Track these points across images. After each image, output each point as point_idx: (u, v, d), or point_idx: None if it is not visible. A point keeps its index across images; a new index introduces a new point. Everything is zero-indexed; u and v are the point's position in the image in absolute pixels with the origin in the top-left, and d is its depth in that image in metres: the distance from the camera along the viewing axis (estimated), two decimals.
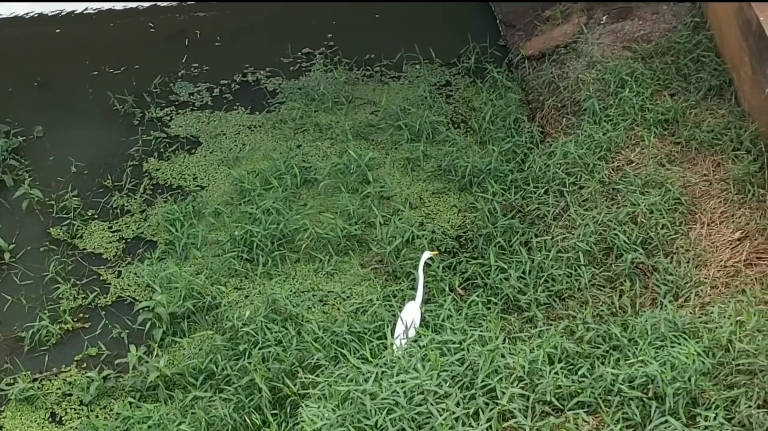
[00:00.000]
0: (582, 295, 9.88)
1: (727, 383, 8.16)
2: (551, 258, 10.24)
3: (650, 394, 8.10)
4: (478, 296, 10.06)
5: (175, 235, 11.51)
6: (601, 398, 8.23)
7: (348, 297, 10.63)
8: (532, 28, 13.83)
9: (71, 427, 9.74)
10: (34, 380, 10.20)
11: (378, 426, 8.03)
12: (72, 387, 10.13)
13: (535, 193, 11.17)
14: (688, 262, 9.72)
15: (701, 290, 9.42)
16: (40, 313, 10.82)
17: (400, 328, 9.52)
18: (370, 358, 8.89)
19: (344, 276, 10.90)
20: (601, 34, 12.94)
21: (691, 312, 9.15)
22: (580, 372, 8.50)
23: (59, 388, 10.13)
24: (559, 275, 10.09)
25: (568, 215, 10.70)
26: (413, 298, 10.01)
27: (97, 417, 9.78)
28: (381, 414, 8.05)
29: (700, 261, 9.71)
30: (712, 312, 8.94)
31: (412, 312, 9.66)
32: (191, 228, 11.60)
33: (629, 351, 8.70)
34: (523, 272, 10.27)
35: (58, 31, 14.68)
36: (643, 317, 9.04)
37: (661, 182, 10.55)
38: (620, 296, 9.74)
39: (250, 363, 9.71)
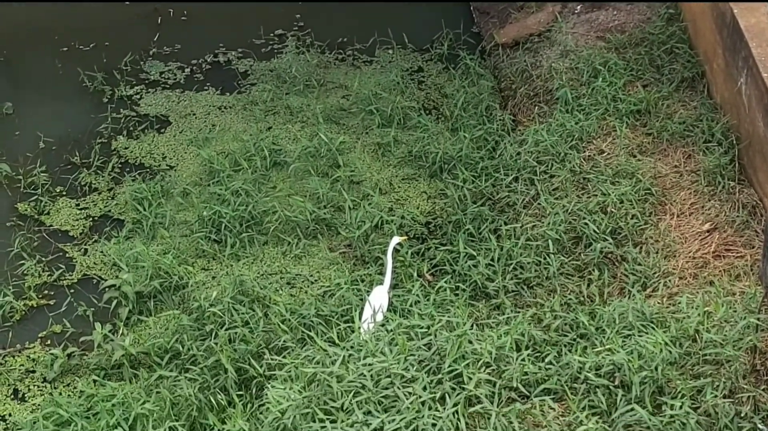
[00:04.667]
0: (550, 283, 9.90)
1: (694, 373, 8.22)
2: (520, 246, 10.25)
3: (617, 382, 8.15)
4: (446, 282, 10.05)
5: (142, 214, 11.41)
6: (567, 385, 8.27)
7: (316, 280, 10.60)
8: (506, 15, 13.83)
9: (34, 404, 9.63)
10: None
11: (344, 408, 8.02)
12: (35, 364, 10.02)
13: (505, 180, 11.17)
14: (657, 253, 9.77)
15: (670, 280, 9.47)
16: (4, 289, 10.69)
17: (367, 312, 9.49)
18: (337, 341, 8.87)
19: (312, 260, 10.86)
20: (575, 23, 12.94)
21: (659, 302, 9.21)
22: (547, 360, 8.54)
23: (22, 365, 10.03)
24: (528, 263, 10.10)
25: (538, 203, 10.71)
26: (381, 283, 9.99)
27: (60, 394, 9.68)
28: (347, 396, 8.04)
29: (669, 252, 9.76)
30: (680, 303, 8.99)
31: (380, 297, 9.63)
32: (159, 207, 11.51)
33: (596, 339, 8.74)
34: (492, 259, 10.26)
35: (26, 5, 14.46)
36: (611, 306, 9.08)
37: (631, 172, 10.58)
38: (588, 285, 9.77)
39: (216, 343, 9.65)
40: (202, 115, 12.93)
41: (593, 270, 9.90)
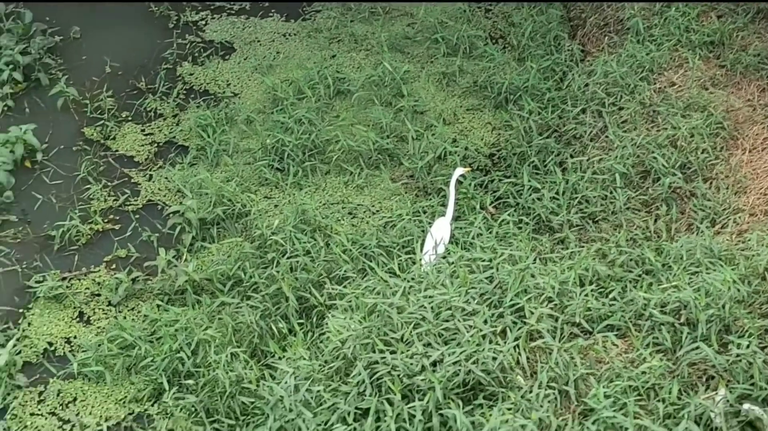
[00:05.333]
0: (616, 218, 9.74)
1: (762, 312, 8.04)
2: (586, 179, 10.08)
3: (682, 320, 8.01)
4: (509, 215, 9.95)
5: (206, 141, 11.43)
6: (631, 322, 8.15)
7: (377, 211, 10.55)
8: None
9: (98, 327, 9.77)
10: (63, 279, 10.22)
11: (404, 339, 7.99)
12: (100, 288, 10.14)
13: (572, 112, 10.96)
14: (727, 188, 9.54)
15: (739, 217, 9.26)
16: (70, 213, 10.81)
17: (429, 244, 9.43)
18: (398, 272, 8.83)
19: (374, 190, 10.81)
20: None
21: (728, 239, 9.01)
22: (611, 296, 8.42)
23: (88, 288, 10.15)
24: (594, 197, 9.94)
25: (606, 136, 10.51)
26: (443, 215, 9.90)
27: (124, 318, 9.81)
28: (407, 327, 8.01)
29: (740, 188, 9.53)
30: (749, 240, 8.79)
31: (441, 229, 9.56)
32: (223, 134, 11.51)
33: (662, 275, 8.59)
34: (557, 193, 10.13)
35: None
36: (679, 242, 8.92)
37: (703, 105, 10.31)
38: (656, 220, 9.60)
39: (278, 271, 9.68)
40: (267, 42, 12.85)
41: (661, 205, 9.72)
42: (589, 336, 8.14)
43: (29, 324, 9.82)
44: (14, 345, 9.49)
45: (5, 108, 11.99)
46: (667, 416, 7.52)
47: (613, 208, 9.84)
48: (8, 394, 9.19)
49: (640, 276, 8.76)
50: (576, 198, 10.02)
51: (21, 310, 9.95)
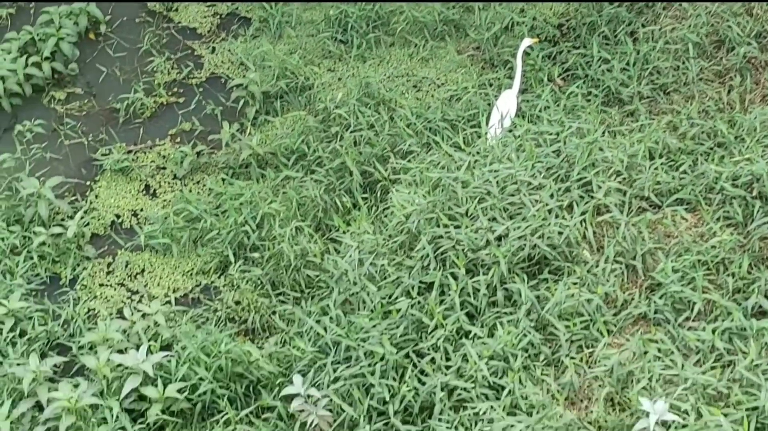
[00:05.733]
0: (688, 89, 9.47)
1: None
2: (658, 49, 9.77)
3: (754, 193, 7.83)
4: (577, 87, 9.72)
5: (269, 12, 11.25)
6: (701, 195, 8.00)
7: (442, 83, 10.37)
8: None
9: (164, 200, 9.85)
10: (129, 152, 10.28)
11: (468, 214, 7.93)
12: (166, 161, 10.19)
13: None
14: None
15: None
16: (134, 86, 10.80)
17: (495, 117, 9.27)
18: (462, 146, 8.72)
19: (439, 62, 10.61)
20: None
21: None
22: (681, 169, 8.26)
23: (153, 161, 10.21)
24: (665, 68, 9.65)
25: (679, 4, 10.13)
26: (510, 87, 9.71)
27: (190, 191, 9.86)
28: (472, 202, 7.93)
29: None
30: None
31: (508, 102, 9.37)
32: (286, 6, 11.32)
33: (735, 148, 8.40)
34: (627, 63, 9.84)
35: None
36: (753, 114, 8.67)
37: None
38: (729, 91, 9.32)
39: (341, 145, 9.62)
40: None
41: (735, 75, 9.42)
42: (657, 210, 8.02)
43: (96, 196, 9.93)
44: (82, 217, 9.61)
45: None
46: (736, 290, 7.43)
47: (685, 78, 9.56)
48: (77, 265, 9.35)
49: (711, 149, 8.56)
50: (647, 69, 9.73)
51: (88, 183, 10.06)
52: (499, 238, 7.74)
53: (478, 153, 8.59)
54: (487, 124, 9.29)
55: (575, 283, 7.49)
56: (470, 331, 7.45)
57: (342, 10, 10.90)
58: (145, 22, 11.47)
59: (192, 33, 11.39)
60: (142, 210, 9.80)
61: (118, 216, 9.77)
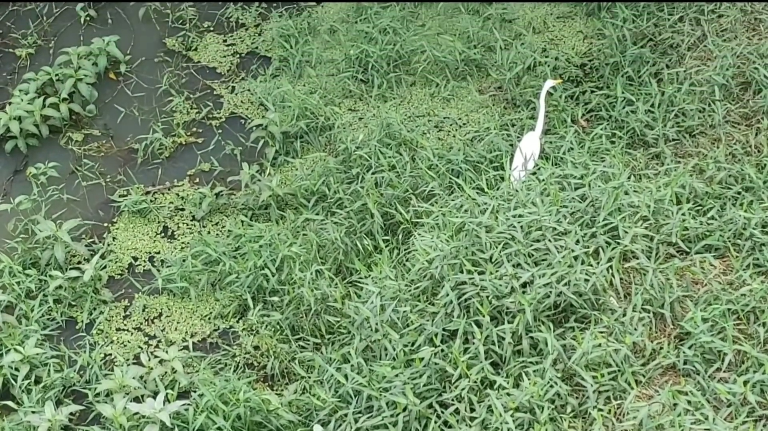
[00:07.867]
0: (714, 132, 9.32)
1: None
2: (683, 91, 9.64)
3: None
4: (602, 129, 9.60)
5: (289, 52, 11.19)
6: (730, 242, 7.84)
7: (464, 124, 10.26)
8: None
9: (183, 242, 9.74)
10: (147, 193, 10.19)
11: (493, 259, 7.78)
12: (184, 202, 10.09)
13: (669, 20, 10.45)
14: None
15: None
16: (153, 126, 10.73)
17: (518, 159, 9.14)
18: (486, 189, 8.57)
19: (461, 102, 10.51)
20: None
21: None
22: (709, 214, 8.09)
23: (171, 202, 10.11)
24: (691, 110, 9.51)
25: (705, 45, 10.02)
26: (533, 128, 9.58)
27: (208, 233, 9.75)
28: (497, 248, 7.78)
29: None
30: None
31: (531, 143, 9.25)
32: (306, 45, 11.26)
33: (764, 193, 8.23)
34: (652, 105, 9.72)
35: None
36: None
37: None
38: (756, 134, 9.16)
39: (362, 187, 9.51)
40: None
41: (762, 118, 9.26)
42: (685, 256, 7.84)
43: (114, 238, 9.83)
44: (99, 260, 9.50)
45: (87, 18, 11.86)
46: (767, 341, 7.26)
47: (711, 121, 9.41)
48: (94, 309, 9.23)
49: (739, 193, 8.40)
50: (672, 111, 9.60)
51: (106, 224, 9.96)
52: (524, 285, 7.59)
53: (501, 196, 8.44)
54: (510, 166, 9.15)
55: (602, 332, 7.32)
56: (495, 381, 7.28)
57: (363, 49, 10.82)
58: (164, 62, 11.42)
59: (211, 72, 11.33)
60: (158, 252, 9.68)
61: (135, 259, 9.66)
